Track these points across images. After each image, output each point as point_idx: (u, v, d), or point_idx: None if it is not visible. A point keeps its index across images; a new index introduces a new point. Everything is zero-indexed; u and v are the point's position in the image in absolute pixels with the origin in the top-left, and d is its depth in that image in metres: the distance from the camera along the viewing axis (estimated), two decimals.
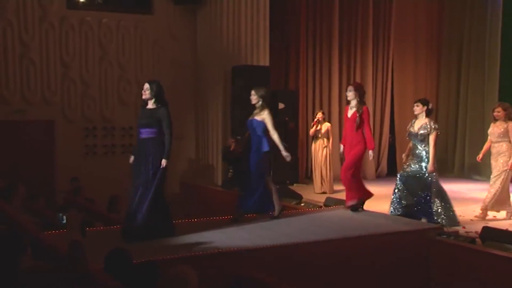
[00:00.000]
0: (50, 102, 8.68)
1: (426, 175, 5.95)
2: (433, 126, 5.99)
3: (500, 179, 6.37)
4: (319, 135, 8.58)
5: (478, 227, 5.41)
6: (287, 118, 9.28)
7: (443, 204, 5.94)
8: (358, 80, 10.64)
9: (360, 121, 5.95)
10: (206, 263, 4.20)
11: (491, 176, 6.51)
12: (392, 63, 10.92)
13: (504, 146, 6.41)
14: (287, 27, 10.18)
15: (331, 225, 5.40)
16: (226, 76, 9.11)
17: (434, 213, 5.84)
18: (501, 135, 6.44)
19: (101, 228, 5.34)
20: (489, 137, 6.61)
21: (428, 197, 5.90)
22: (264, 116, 5.55)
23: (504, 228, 5.29)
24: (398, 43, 10.93)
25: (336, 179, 9.09)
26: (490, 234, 5.06)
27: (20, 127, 8.42)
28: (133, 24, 9.18)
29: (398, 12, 10.79)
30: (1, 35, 8.33)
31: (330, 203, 6.73)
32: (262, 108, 5.61)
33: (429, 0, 11.15)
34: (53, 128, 8.66)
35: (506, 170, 6.34)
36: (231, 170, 8.28)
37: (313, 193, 8.37)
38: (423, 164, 5.99)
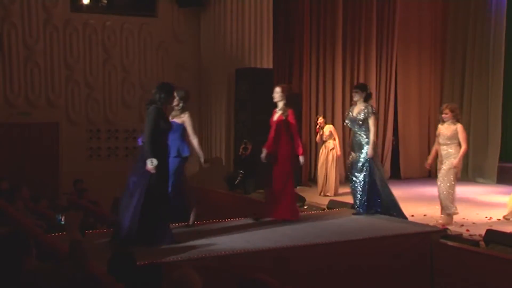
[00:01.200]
0: (54, 105, 8.72)
1: (365, 159, 5.87)
2: (371, 111, 5.88)
3: (446, 181, 6.23)
4: (325, 139, 8.56)
5: (482, 230, 5.40)
6: None
7: (384, 190, 5.89)
8: (362, 81, 10.64)
9: (287, 125, 5.54)
10: (209, 266, 4.21)
11: (439, 177, 6.35)
12: (396, 65, 10.91)
13: (452, 148, 6.27)
14: (290, 30, 10.19)
15: (334, 228, 5.40)
16: (229, 79, 9.12)
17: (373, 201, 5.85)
18: (450, 138, 6.29)
19: (105, 230, 5.34)
20: (436, 139, 6.54)
21: (363, 183, 5.86)
22: (185, 119, 5.11)
23: (508, 231, 5.27)
24: (402, 45, 10.93)
25: (339, 182, 9.09)
26: (494, 237, 5.05)
27: (25, 129, 8.46)
28: (137, 27, 9.22)
29: (402, 14, 10.78)
30: (6, 38, 8.37)
31: (334, 205, 6.72)
32: (182, 110, 5.14)
33: (433, 1, 11.14)
34: (57, 130, 8.70)
35: (451, 169, 6.22)
36: (241, 175, 8.28)
37: (317, 196, 8.37)
38: (364, 150, 5.92)
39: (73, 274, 2.82)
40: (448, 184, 6.25)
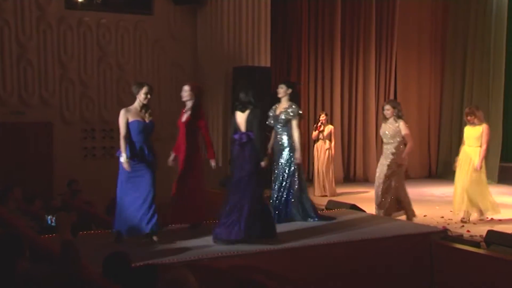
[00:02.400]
0: (48, 104, 8.68)
1: (289, 163, 5.57)
2: (296, 111, 5.58)
3: (394, 182, 6.16)
4: (321, 137, 8.57)
5: (483, 231, 5.40)
6: None
7: (303, 195, 5.65)
8: (360, 81, 10.67)
9: (197, 126, 5.22)
10: (206, 267, 4.20)
11: (379, 177, 6.21)
12: (396, 62, 10.93)
13: (395, 147, 6.17)
14: (288, 27, 10.19)
15: (333, 228, 5.40)
16: (226, 77, 9.11)
17: (292, 204, 5.60)
18: (392, 136, 6.18)
19: (99, 231, 5.33)
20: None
21: (289, 186, 5.58)
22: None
23: (510, 231, 5.28)
24: (401, 43, 10.95)
25: (337, 182, 9.10)
26: (495, 238, 5.05)
27: (18, 129, 8.42)
28: (132, 24, 9.20)
29: (401, 13, 10.80)
30: None
31: (332, 206, 6.72)
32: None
33: (434, 0, 11.16)
34: (51, 130, 8.67)
35: (395, 170, 6.12)
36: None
37: (314, 196, 8.37)
38: (285, 152, 5.60)
39: (66, 276, 2.80)
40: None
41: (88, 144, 8.92)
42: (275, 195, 5.66)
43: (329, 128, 8.64)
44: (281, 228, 5.37)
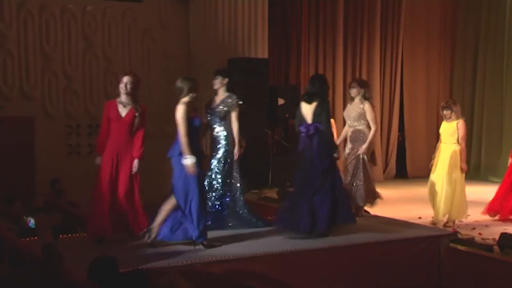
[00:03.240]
0: (29, 97, 8.64)
1: (225, 161, 5.35)
2: (235, 101, 5.44)
3: (360, 169, 5.90)
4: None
5: (496, 233, 5.41)
6: (287, 115, 9.29)
7: (241, 198, 5.43)
8: (364, 73, 10.66)
9: (141, 122, 5.00)
10: (199, 272, 4.20)
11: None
12: (402, 54, 10.93)
13: (361, 131, 5.99)
14: (287, 17, 10.17)
15: (335, 231, 5.39)
16: None
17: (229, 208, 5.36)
18: (357, 118, 5.97)
19: (85, 234, 5.32)
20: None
21: (227, 188, 5.34)
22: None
23: None
24: (408, 33, 10.94)
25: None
26: (509, 241, 5.05)
27: None
28: (120, 12, 9.15)
29: (408, 2, 10.79)
30: None
31: None
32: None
33: None
34: (33, 125, 8.63)
35: (359, 155, 5.89)
36: None
37: None
38: (222, 149, 5.40)
39: (48, 281, 2.80)
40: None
41: (72, 141, 8.89)
42: (212, 199, 5.35)
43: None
44: (280, 230, 5.36)
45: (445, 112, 6.57)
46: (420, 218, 6.62)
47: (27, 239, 4.72)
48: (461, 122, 6.48)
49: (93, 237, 4.85)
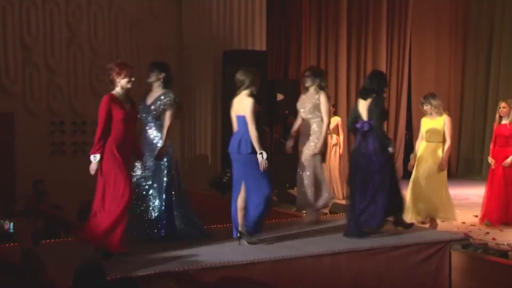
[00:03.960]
0: (9, 92, 8.61)
1: (164, 164, 5.10)
2: (172, 98, 5.17)
3: (311, 169, 5.81)
4: (328, 132, 8.53)
5: (511, 239, 5.41)
6: (287, 112, 9.28)
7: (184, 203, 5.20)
8: (369, 67, 10.65)
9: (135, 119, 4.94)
10: (192, 280, 4.19)
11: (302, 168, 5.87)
12: (410, 46, 10.92)
13: (314, 125, 5.85)
14: (287, 6, 10.17)
15: (337, 235, 5.40)
16: (216, 63, 9.07)
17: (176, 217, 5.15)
18: (312, 110, 5.83)
19: (70, 239, 5.31)
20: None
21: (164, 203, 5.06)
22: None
23: None
24: (416, 24, 10.94)
25: (344, 182, 9.08)
26: None
27: None
28: (107, 1, 9.14)
29: None
30: None
31: (337, 209, 6.73)
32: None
33: None
34: (13, 122, 8.60)
35: (315, 155, 5.79)
36: (228, 174, 8.26)
37: None
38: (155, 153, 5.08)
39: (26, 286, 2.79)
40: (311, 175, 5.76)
41: (56, 139, 8.87)
42: (151, 207, 5.12)
43: (335, 120, 8.62)
44: (280, 234, 5.36)
45: (424, 107, 6.50)
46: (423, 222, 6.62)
47: (5, 244, 4.70)
48: (448, 118, 6.42)
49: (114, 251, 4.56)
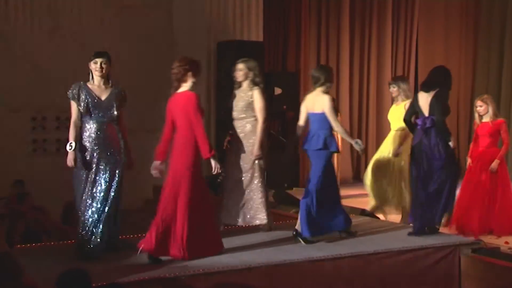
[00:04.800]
0: None
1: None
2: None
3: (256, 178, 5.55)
4: None
5: None
6: (285, 107, 9.29)
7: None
8: (373, 59, 10.67)
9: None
10: (183, 287, 4.19)
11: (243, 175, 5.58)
12: (417, 35, 10.94)
13: (248, 126, 5.56)
14: None
15: (339, 239, 5.41)
16: (210, 54, 9.07)
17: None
18: (245, 109, 5.56)
19: (53, 243, 5.31)
20: None
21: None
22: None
23: None
24: (424, 13, 10.94)
25: (343, 183, 9.10)
26: None
27: None
28: None
29: None
30: None
31: None
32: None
33: None
34: None
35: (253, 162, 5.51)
36: (223, 173, 8.26)
37: None
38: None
39: None
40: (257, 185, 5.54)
41: (38, 136, 8.85)
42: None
43: None
44: (277, 237, 5.36)
45: (390, 89, 6.43)
46: None
47: None
48: (409, 103, 6.15)
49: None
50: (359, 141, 5.40)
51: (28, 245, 5.21)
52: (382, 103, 10.73)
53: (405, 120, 5.84)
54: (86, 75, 9.23)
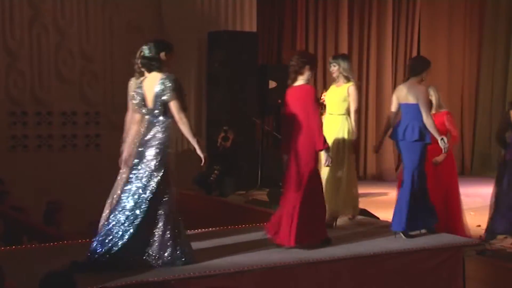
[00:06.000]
0: None
1: None
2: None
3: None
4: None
5: None
6: (279, 101, 9.25)
7: None
8: (373, 52, 10.69)
9: None
10: None
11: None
12: (419, 28, 10.97)
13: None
14: None
15: (336, 240, 5.42)
16: (200, 45, 9.09)
17: None
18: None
19: (34, 245, 5.30)
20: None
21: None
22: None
23: None
24: (427, 2, 10.96)
25: None
26: None
27: None
28: None
29: None
30: None
31: None
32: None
33: None
34: None
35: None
36: (216, 171, 8.27)
37: None
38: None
39: None
40: None
41: (17, 132, 8.83)
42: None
43: None
44: (266, 238, 5.37)
45: (331, 68, 6.15)
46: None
47: None
48: (353, 87, 6.06)
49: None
50: (444, 138, 5.52)
51: (8, 247, 5.19)
52: (382, 96, 10.77)
53: (500, 137, 6.05)
54: (67, 68, 9.18)
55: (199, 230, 5.79)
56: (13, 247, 5.24)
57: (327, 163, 5.18)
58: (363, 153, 10.86)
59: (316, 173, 5.18)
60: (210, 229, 5.80)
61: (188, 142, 9.76)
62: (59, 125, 9.05)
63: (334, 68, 6.18)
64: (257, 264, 4.64)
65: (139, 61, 4.72)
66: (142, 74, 4.82)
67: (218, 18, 9.08)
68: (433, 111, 6.11)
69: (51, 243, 5.20)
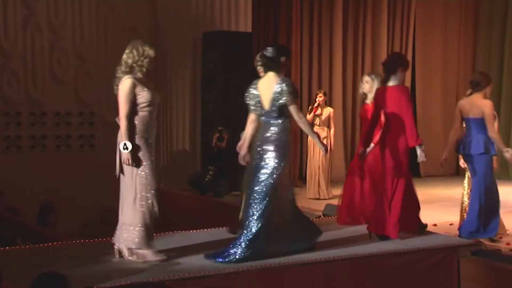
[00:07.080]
0: None
1: None
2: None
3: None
4: (318, 123, 8.60)
5: None
6: None
7: None
8: (368, 49, 10.70)
9: None
10: None
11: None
12: (414, 28, 10.98)
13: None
14: None
15: (332, 240, 5.43)
16: (195, 46, 9.10)
17: None
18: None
19: (28, 246, 5.28)
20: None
21: None
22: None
23: None
24: (422, 3, 10.98)
25: (336, 182, 9.13)
26: None
27: None
28: None
29: None
30: None
31: (331, 212, 6.76)
32: None
33: None
34: None
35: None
36: (211, 172, 8.27)
37: (307, 199, 8.43)
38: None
39: None
40: None
41: (11, 132, 8.82)
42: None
43: (327, 111, 8.69)
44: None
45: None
46: (435, 225, 6.67)
47: None
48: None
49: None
50: (510, 150, 5.84)
51: (2, 248, 5.17)
52: None
53: None
54: (61, 68, 9.16)
55: (193, 230, 5.79)
56: (7, 248, 5.23)
57: (421, 158, 5.38)
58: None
59: (409, 166, 5.51)
60: (205, 229, 5.79)
61: (183, 142, 9.87)
62: (53, 126, 9.05)
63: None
64: (252, 265, 4.64)
65: (259, 60, 5.16)
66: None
67: (213, 18, 9.08)
68: (369, 101, 6.06)
69: (46, 244, 5.19)
